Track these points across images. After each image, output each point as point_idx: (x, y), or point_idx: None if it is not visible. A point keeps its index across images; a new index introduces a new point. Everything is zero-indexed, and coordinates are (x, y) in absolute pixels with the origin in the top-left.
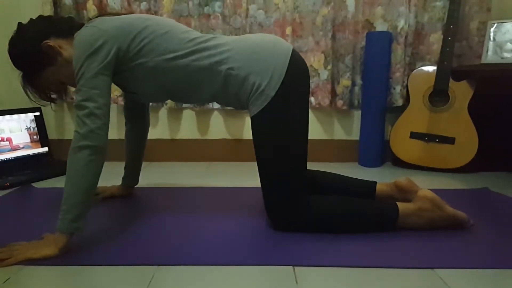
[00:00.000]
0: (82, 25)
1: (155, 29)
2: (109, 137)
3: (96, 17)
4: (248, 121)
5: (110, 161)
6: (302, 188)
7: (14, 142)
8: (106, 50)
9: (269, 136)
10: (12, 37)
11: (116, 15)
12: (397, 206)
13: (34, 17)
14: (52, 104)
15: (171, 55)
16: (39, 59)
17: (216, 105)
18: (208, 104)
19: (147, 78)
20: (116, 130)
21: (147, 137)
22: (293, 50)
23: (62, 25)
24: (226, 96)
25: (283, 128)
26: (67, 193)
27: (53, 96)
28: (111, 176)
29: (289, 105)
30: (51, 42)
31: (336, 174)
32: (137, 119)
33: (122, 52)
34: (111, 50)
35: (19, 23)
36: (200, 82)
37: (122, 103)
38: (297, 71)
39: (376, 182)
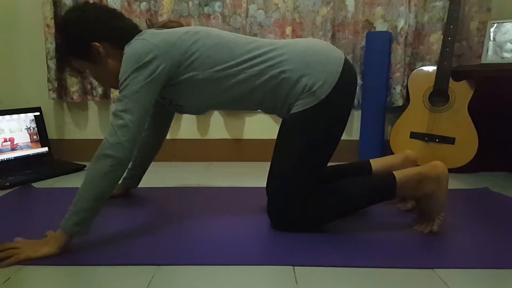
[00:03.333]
0: (138, 32)
1: (205, 42)
2: None
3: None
4: (248, 121)
5: None
6: (310, 191)
7: (16, 142)
8: (155, 65)
9: (304, 136)
10: (74, 10)
11: (163, 27)
12: (394, 175)
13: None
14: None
15: (222, 66)
16: (82, 51)
17: None
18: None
19: (197, 90)
20: None
21: (161, 146)
22: (346, 58)
23: (122, 32)
24: (274, 101)
25: (322, 132)
26: (79, 195)
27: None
28: None
29: (335, 110)
30: (102, 47)
31: (332, 167)
32: (159, 129)
33: (173, 67)
34: (159, 66)
35: (87, 2)
36: (251, 89)
37: None
38: (349, 78)
39: (369, 160)
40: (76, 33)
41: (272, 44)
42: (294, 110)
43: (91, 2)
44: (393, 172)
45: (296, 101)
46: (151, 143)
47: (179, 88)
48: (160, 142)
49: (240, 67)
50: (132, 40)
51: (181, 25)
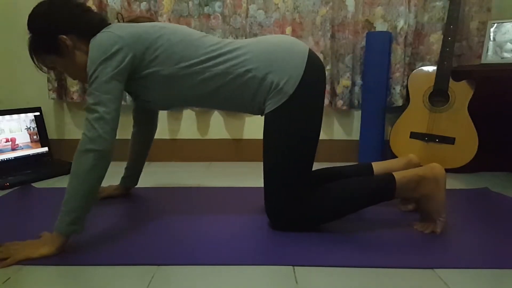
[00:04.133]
0: (106, 26)
1: (170, 38)
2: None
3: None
4: (248, 121)
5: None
6: (306, 189)
7: (17, 142)
8: (121, 56)
9: (282, 133)
10: (41, 5)
11: (132, 22)
12: (393, 176)
13: None
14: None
15: (187, 63)
16: (50, 45)
17: None
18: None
19: (162, 86)
20: (118, 130)
21: (152, 141)
22: (310, 50)
23: (90, 24)
24: (242, 99)
25: (298, 126)
26: (68, 194)
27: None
28: (109, 175)
29: (306, 104)
30: (69, 40)
31: (334, 168)
32: (146, 123)
33: (137, 59)
34: (126, 57)
35: None
36: (216, 88)
37: (128, 102)
38: (315, 70)
39: (371, 163)
40: (43, 27)
41: (236, 43)
42: (267, 110)
43: None
44: (393, 173)
45: (266, 101)
46: (142, 139)
47: (144, 82)
48: (150, 137)
49: (205, 64)
50: (98, 33)
51: (152, 21)
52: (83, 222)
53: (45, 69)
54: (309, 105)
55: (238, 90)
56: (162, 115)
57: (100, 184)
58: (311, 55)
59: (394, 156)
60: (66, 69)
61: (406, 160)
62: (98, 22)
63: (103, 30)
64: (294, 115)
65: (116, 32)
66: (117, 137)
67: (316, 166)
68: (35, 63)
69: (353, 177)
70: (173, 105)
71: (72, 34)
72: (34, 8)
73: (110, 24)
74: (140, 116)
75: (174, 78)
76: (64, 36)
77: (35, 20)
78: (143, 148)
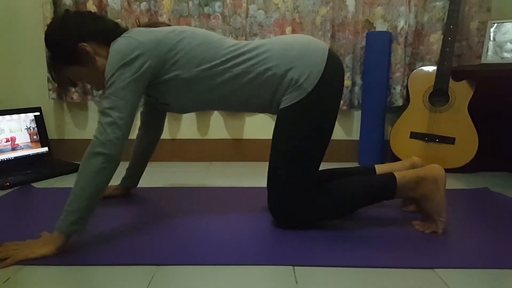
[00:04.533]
0: (124, 31)
1: (190, 41)
2: None
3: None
4: (248, 121)
5: None
6: (311, 188)
7: (17, 142)
8: (140, 62)
9: (294, 130)
10: (55, 20)
11: (149, 26)
12: (394, 176)
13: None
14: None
15: (207, 65)
16: (71, 56)
17: None
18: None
19: (182, 89)
20: None
21: (157, 144)
22: (330, 49)
23: (106, 30)
24: (262, 99)
25: (312, 125)
26: (73, 194)
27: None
28: None
29: (323, 103)
30: (89, 46)
31: (336, 169)
32: (153, 126)
33: (157, 65)
34: (145, 63)
35: (66, 11)
36: (236, 88)
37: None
38: (334, 69)
39: (374, 165)
40: (61, 39)
41: (254, 43)
42: (283, 105)
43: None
44: (394, 172)
45: (284, 96)
46: (147, 141)
47: (165, 87)
48: (155, 140)
49: (225, 65)
50: (118, 38)
51: (168, 26)
52: (85, 223)
53: (67, 84)
54: (326, 104)
55: (258, 89)
56: None
57: (106, 187)
58: (331, 53)
59: (394, 156)
60: (90, 78)
61: (410, 163)
62: (114, 27)
63: (123, 35)
64: (310, 113)
65: (136, 37)
66: None
67: None
68: (57, 81)
69: (355, 175)
70: (192, 108)
71: (91, 40)
72: (48, 24)
73: (124, 28)
74: (148, 119)
75: (194, 81)
76: (84, 43)
77: (52, 34)
78: (147, 151)
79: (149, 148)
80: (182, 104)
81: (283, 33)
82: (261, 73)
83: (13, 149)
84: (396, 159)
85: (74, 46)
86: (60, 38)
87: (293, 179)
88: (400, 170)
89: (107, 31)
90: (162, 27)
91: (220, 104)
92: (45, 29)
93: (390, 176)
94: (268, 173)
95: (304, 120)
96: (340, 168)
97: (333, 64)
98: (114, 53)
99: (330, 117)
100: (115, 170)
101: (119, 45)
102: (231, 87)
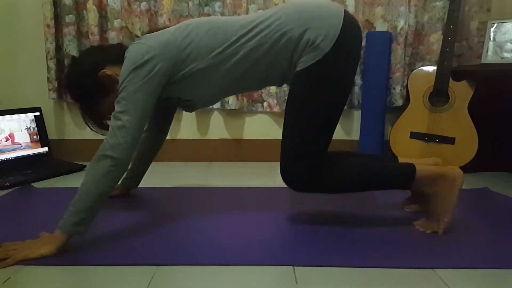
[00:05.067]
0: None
1: (197, 32)
2: None
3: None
4: (248, 121)
5: None
6: (324, 155)
7: (16, 140)
8: (151, 65)
9: (311, 92)
10: (68, 71)
11: (160, 29)
12: (415, 167)
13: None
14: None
15: (218, 49)
16: (97, 90)
17: (216, 105)
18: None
19: (202, 80)
20: None
21: (161, 148)
22: (346, 10)
23: (115, 51)
24: (280, 68)
25: (328, 87)
26: (79, 195)
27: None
28: None
29: (340, 65)
30: (108, 70)
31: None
32: (158, 130)
33: (170, 65)
34: (156, 66)
35: (73, 57)
36: (253, 62)
37: None
38: (352, 29)
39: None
40: (82, 79)
41: (263, 14)
42: (299, 67)
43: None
44: (415, 164)
45: (300, 58)
46: (151, 144)
47: (185, 83)
48: (159, 143)
49: (237, 44)
50: (130, 46)
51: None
52: (87, 225)
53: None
54: (343, 67)
55: (275, 59)
56: None
57: (112, 190)
58: (348, 14)
59: (394, 156)
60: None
61: (433, 161)
62: (119, 45)
63: (134, 42)
64: (327, 75)
65: (146, 42)
66: None
67: None
68: (97, 124)
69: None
70: (214, 97)
71: (107, 65)
72: (64, 76)
73: (126, 47)
74: (154, 123)
75: (211, 68)
76: (102, 70)
77: (72, 83)
78: (150, 153)
79: (152, 151)
80: (204, 96)
81: None
82: (277, 40)
83: (13, 144)
84: (396, 159)
85: (95, 78)
86: (80, 80)
87: (307, 143)
88: None
89: (117, 50)
90: (167, 28)
91: (240, 84)
92: (65, 71)
93: (411, 166)
94: (282, 138)
95: (320, 83)
96: (362, 153)
97: (350, 26)
98: (126, 60)
99: (346, 81)
100: (122, 174)
101: (130, 50)
102: (247, 64)
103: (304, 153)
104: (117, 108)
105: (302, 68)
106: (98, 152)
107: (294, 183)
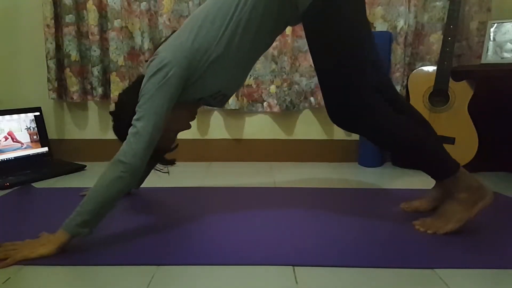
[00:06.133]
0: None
1: (197, 24)
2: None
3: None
4: (248, 121)
5: None
6: (369, 88)
7: (17, 139)
8: (165, 71)
9: (326, 25)
10: (115, 111)
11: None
12: (460, 166)
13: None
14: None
15: (223, 28)
16: None
17: None
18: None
19: (222, 66)
20: None
21: (169, 152)
22: None
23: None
24: (289, 16)
25: (340, 11)
26: (87, 197)
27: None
28: None
29: None
30: None
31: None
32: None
33: (185, 67)
34: (169, 72)
35: (120, 95)
36: (259, 24)
37: None
38: None
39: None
40: (127, 128)
41: None
42: (301, 7)
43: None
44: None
45: None
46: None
47: (207, 76)
48: (168, 147)
49: (236, 13)
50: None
51: None
52: (89, 229)
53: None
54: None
55: (277, 8)
56: None
57: (121, 196)
58: None
59: (394, 156)
60: (174, 121)
61: None
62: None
63: (153, 56)
64: (333, 2)
65: (159, 54)
66: None
67: (316, 166)
68: (161, 162)
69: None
70: (240, 78)
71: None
72: (113, 124)
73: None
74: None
75: (224, 51)
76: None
77: (119, 134)
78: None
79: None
80: (231, 80)
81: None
82: None
83: (14, 142)
84: (396, 159)
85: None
86: (128, 110)
87: (342, 76)
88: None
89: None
90: (172, 33)
91: (257, 50)
92: None
93: (457, 162)
94: (318, 80)
95: (329, 11)
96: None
97: None
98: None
99: (359, 11)
100: (134, 181)
101: (148, 68)
102: (254, 26)
103: (343, 87)
104: (135, 116)
105: (305, 9)
106: (114, 157)
107: (342, 119)
